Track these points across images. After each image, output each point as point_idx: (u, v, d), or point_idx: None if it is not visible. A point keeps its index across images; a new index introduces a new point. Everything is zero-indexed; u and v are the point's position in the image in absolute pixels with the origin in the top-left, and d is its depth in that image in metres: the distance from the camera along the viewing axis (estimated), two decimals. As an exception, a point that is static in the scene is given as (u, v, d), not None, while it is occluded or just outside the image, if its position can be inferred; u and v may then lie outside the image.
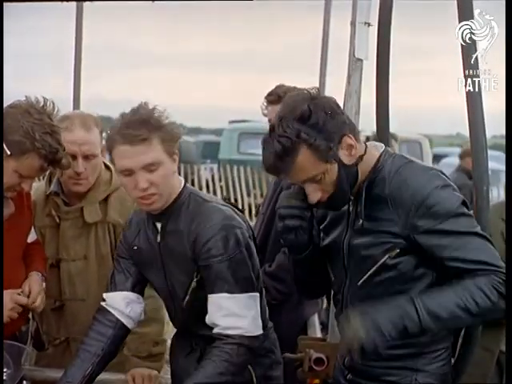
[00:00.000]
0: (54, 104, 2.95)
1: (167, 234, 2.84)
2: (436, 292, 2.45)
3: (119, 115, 2.75)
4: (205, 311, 2.78)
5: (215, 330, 2.74)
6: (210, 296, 2.76)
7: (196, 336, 2.94)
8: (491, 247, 2.45)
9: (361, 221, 2.55)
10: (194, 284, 2.81)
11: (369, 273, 2.54)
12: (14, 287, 3.06)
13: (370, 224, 2.52)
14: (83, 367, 2.87)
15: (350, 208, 2.60)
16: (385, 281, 2.53)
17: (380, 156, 2.57)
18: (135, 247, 2.93)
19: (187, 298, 2.85)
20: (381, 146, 2.63)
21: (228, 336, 2.70)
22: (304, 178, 2.48)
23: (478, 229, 2.47)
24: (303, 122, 2.42)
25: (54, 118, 2.94)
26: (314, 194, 2.51)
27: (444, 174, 2.54)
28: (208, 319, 2.77)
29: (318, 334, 3.70)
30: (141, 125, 2.67)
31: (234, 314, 2.71)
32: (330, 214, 2.69)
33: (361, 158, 2.52)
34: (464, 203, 2.48)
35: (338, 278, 2.67)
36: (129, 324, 2.98)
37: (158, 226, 2.86)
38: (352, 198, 2.58)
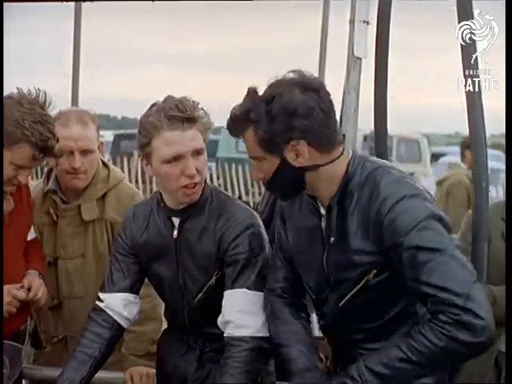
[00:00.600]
0: (46, 95, 2.97)
1: (187, 230, 2.81)
2: (384, 347, 2.34)
3: (150, 106, 2.72)
4: (215, 310, 2.76)
5: (228, 331, 2.71)
6: (227, 291, 2.74)
7: (195, 334, 2.93)
8: (458, 267, 2.23)
9: (333, 238, 2.42)
10: (212, 282, 2.80)
11: (348, 296, 2.43)
12: (16, 282, 3.06)
13: (344, 241, 2.38)
14: (81, 370, 2.84)
15: (323, 224, 2.47)
16: (367, 301, 2.42)
17: (348, 165, 2.41)
18: (143, 241, 2.89)
19: (200, 295, 2.83)
20: (348, 151, 2.46)
21: (240, 340, 2.67)
22: (248, 153, 2.44)
23: (447, 244, 2.26)
24: (264, 103, 2.34)
25: (47, 109, 2.96)
26: (256, 173, 2.47)
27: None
28: (221, 318, 2.74)
29: (317, 333, 3.69)
30: (189, 109, 2.66)
31: (249, 311, 2.69)
32: (296, 228, 2.58)
33: (316, 166, 2.37)
34: (435, 216, 2.28)
35: (321, 296, 2.55)
36: (125, 325, 2.95)
37: (175, 221, 2.83)
38: (324, 212, 2.46)
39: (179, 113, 2.65)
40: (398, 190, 2.31)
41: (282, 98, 2.31)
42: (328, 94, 2.39)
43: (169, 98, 2.70)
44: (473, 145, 2.76)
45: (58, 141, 2.96)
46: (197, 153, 2.69)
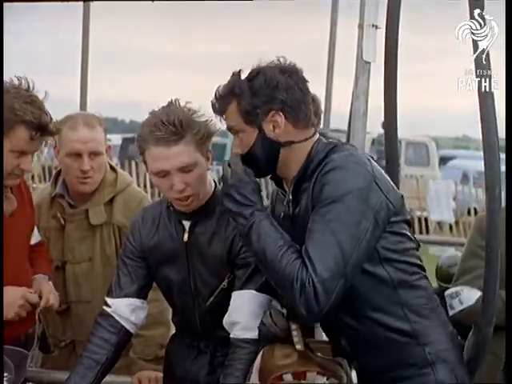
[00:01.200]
0: (28, 80, 2.98)
1: (197, 233, 2.81)
2: (278, 232, 2.45)
3: (149, 114, 2.72)
4: (225, 312, 2.76)
5: (234, 332, 2.72)
6: (236, 292, 2.74)
7: (207, 338, 2.92)
8: (333, 253, 2.34)
9: (291, 220, 2.54)
10: (224, 285, 2.80)
11: None
12: (21, 283, 3.04)
13: (301, 224, 2.47)
14: (88, 376, 2.84)
15: (290, 205, 2.58)
16: None
17: (312, 148, 2.53)
18: (152, 244, 2.89)
19: (212, 298, 2.83)
20: (317, 136, 2.57)
21: (247, 342, 2.68)
22: (229, 125, 2.55)
23: (345, 228, 2.36)
24: (247, 80, 2.49)
25: (32, 91, 2.97)
26: (235, 147, 2.56)
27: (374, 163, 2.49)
28: (227, 318, 2.75)
29: (325, 337, 3.67)
30: (174, 125, 2.65)
31: (257, 313, 2.68)
32: (277, 210, 2.67)
33: (289, 142, 2.51)
34: (360, 192, 2.38)
35: None
36: (132, 330, 2.94)
37: (186, 224, 2.83)
38: (291, 196, 2.57)
39: (163, 128, 2.64)
40: (340, 160, 2.43)
41: (266, 74, 2.49)
42: (305, 79, 2.56)
43: (161, 109, 2.71)
44: (485, 147, 2.74)
45: (51, 118, 2.97)
46: (185, 168, 2.68)
